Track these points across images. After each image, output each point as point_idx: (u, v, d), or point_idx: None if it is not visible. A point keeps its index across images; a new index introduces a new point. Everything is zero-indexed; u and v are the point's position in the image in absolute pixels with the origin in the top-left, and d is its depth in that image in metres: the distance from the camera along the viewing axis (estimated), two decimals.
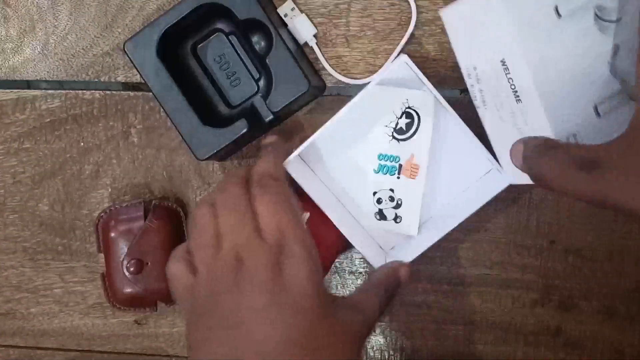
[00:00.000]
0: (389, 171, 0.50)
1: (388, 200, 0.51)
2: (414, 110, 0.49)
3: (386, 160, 0.50)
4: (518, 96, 0.43)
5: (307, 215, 0.48)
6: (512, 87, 0.42)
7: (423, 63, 0.51)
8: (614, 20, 0.41)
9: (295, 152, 0.47)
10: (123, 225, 0.52)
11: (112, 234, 0.52)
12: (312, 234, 0.47)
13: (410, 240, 0.51)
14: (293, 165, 0.47)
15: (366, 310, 0.43)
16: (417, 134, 0.49)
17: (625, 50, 0.40)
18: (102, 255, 0.53)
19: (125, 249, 0.51)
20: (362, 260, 0.55)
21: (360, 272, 0.55)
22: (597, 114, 0.42)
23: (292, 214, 0.42)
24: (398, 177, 0.50)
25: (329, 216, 0.47)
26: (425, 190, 0.50)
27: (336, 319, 0.41)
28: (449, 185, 0.51)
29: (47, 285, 0.58)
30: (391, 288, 0.45)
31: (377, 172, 0.50)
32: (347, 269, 0.56)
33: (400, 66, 0.46)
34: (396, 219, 0.51)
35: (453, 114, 0.46)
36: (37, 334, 0.59)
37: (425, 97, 0.48)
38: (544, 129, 0.42)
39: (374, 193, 0.51)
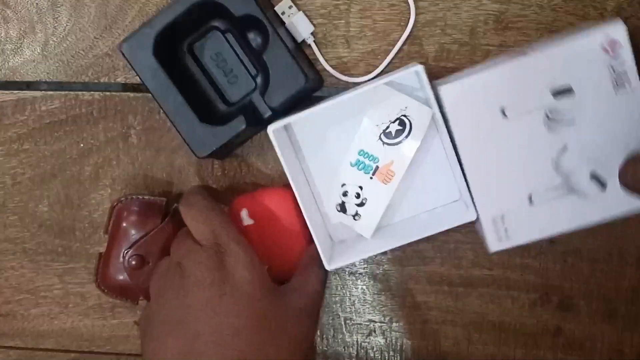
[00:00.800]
0: (365, 169, 0.50)
1: (354, 196, 0.51)
2: (409, 119, 0.49)
3: (365, 158, 0.50)
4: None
5: (245, 211, 0.50)
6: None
7: (423, 64, 0.51)
8: (568, 122, 0.44)
9: (284, 121, 0.47)
10: (138, 217, 0.51)
11: (124, 223, 0.51)
12: (276, 224, 0.50)
13: (360, 240, 0.51)
14: (276, 133, 0.47)
15: (308, 288, 0.48)
16: (403, 142, 0.49)
17: (575, 151, 0.44)
18: (106, 236, 0.53)
19: (132, 240, 0.51)
20: (361, 261, 0.55)
21: (361, 273, 0.55)
22: (530, 202, 0.45)
23: (222, 218, 0.47)
24: (371, 178, 0.50)
25: (295, 191, 0.47)
26: (392, 199, 0.50)
27: (283, 301, 0.45)
28: (416, 200, 0.51)
29: (47, 286, 0.58)
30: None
31: (353, 165, 0.50)
32: (347, 269, 0.56)
33: (410, 73, 0.46)
34: (355, 215, 0.51)
35: (445, 136, 0.46)
36: (37, 335, 0.59)
37: (424, 111, 0.48)
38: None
39: (343, 184, 0.51)
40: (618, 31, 0.42)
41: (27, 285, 0.58)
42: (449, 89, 0.45)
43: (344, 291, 0.56)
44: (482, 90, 0.44)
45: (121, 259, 0.51)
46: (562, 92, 0.43)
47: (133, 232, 0.51)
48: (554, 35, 0.49)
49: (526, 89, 0.44)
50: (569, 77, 0.43)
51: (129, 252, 0.50)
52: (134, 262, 0.50)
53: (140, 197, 0.52)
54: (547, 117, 0.44)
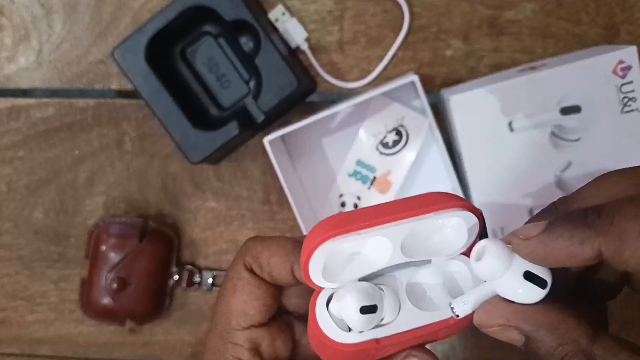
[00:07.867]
0: (362, 179, 0.50)
1: (352, 207, 0.51)
2: (406, 129, 0.49)
3: (363, 168, 0.50)
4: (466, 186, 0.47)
5: None
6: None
7: (417, 69, 0.51)
8: (573, 139, 0.44)
9: (281, 131, 0.47)
10: (116, 239, 0.52)
11: (103, 247, 0.52)
12: None
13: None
14: (272, 143, 0.47)
15: None
16: (400, 152, 0.49)
17: (579, 168, 0.45)
18: (87, 261, 0.53)
19: (113, 264, 0.51)
20: None
21: None
22: (531, 216, 0.45)
23: None
24: (369, 188, 0.50)
25: (291, 202, 0.47)
26: None
27: None
28: None
29: (42, 293, 0.58)
30: None
31: (350, 175, 0.51)
32: None
33: (407, 83, 0.46)
34: None
35: (442, 146, 0.46)
36: (32, 342, 0.59)
37: (420, 121, 0.48)
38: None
39: (340, 195, 0.51)
40: (630, 55, 0.43)
41: (22, 292, 0.58)
42: (459, 99, 0.45)
43: None
44: (491, 102, 0.44)
45: (103, 283, 0.51)
46: (570, 109, 0.44)
47: (112, 255, 0.52)
48: (563, 52, 0.49)
49: (535, 105, 0.44)
50: (578, 95, 0.44)
51: (110, 276, 0.51)
52: (115, 285, 0.51)
53: (117, 219, 0.53)
54: (553, 133, 0.44)
